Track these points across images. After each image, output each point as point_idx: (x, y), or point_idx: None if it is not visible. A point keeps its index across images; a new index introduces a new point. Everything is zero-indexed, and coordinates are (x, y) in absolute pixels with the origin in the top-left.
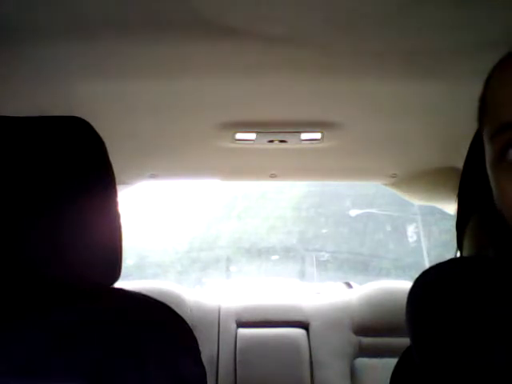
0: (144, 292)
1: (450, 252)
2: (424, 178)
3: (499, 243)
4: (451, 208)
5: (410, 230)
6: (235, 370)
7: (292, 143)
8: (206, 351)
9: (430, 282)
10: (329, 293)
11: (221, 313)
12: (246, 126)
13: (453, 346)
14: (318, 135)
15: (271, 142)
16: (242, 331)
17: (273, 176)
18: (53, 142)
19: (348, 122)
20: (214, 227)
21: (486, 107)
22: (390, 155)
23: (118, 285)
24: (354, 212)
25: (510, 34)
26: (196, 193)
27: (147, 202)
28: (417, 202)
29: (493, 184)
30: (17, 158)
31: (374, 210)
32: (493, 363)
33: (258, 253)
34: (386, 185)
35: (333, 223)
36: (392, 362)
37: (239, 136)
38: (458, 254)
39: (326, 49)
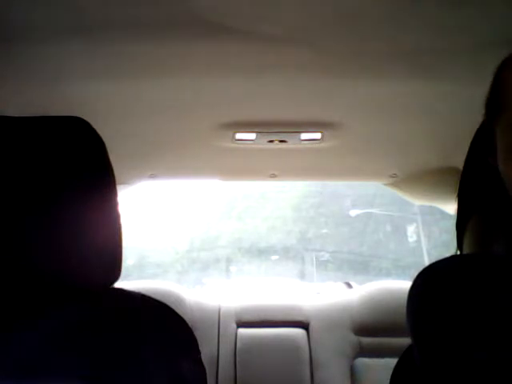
0: (144, 292)
1: (450, 252)
2: (424, 178)
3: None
4: (451, 208)
5: (410, 230)
6: (235, 370)
7: (292, 143)
8: (206, 351)
9: (430, 279)
10: (329, 293)
11: (221, 313)
12: (246, 126)
13: (454, 343)
14: (317, 135)
15: (271, 141)
16: (242, 331)
17: (273, 176)
18: (53, 142)
19: (348, 122)
20: (214, 227)
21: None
22: (389, 155)
23: (118, 285)
24: (353, 212)
25: (510, 33)
26: (196, 193)
27: (147, 202)
28: (417, 201)
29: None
30: (17, 158)
31: (374, 210)
32: (494, 360)
33: (258, 253)
34: (386, 185)
35: (333, 223)
36: (392, 362)
37: (239, 136)
38: None
39: (325, 49)
